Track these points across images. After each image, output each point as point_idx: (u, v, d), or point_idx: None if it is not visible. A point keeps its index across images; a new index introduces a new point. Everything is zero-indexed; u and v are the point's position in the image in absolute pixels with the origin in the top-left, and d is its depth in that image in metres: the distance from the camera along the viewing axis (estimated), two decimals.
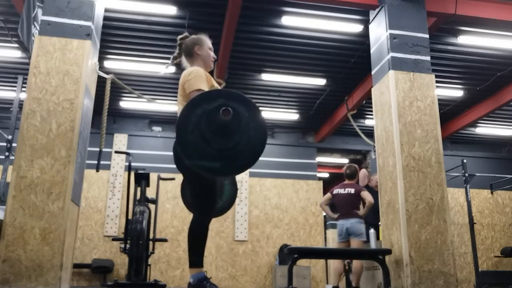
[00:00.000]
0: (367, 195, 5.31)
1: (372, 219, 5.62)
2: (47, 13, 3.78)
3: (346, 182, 5.61)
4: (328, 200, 5.64)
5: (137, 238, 4.27)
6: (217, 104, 2.25)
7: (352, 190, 5.41)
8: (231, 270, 8.45)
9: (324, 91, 7.93)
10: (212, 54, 2.97)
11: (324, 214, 9.38)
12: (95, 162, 4.49)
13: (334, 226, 11.16)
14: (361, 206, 5.53)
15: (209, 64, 2.96)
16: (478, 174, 7.91)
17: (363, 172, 6.29)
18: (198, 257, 2.57)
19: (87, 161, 4.11)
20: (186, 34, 2.99)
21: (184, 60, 2.96)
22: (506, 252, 7.27)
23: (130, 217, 4.60)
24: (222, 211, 3.30)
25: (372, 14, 4.95)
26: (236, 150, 2.29)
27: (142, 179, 4.93)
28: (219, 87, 2.86)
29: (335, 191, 5.57)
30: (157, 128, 9.27)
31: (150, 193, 5.04)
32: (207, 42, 2.97)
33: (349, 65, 6.99)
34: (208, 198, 2.62)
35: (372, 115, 7.42)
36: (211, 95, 2.37)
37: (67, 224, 3.33)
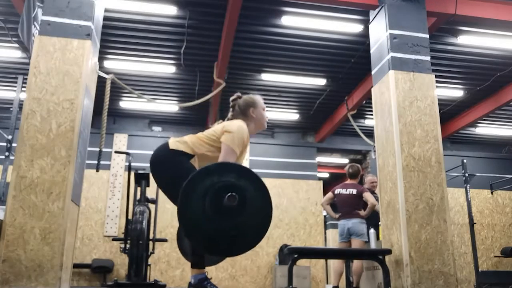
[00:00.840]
0: (369, 197, 5.31)
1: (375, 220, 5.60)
2: (47, 13, 3.78)
3: (348, 181, 5.61)
4: (330, 200, 5.63)
5: (137, 238, 4.27)
6: (227, 179, 2.21)
7: (354, 191, 5.41)
8: (231, 270, 8.45)
9: (324, 91, 7.93)
10: (266, 114, 2.93)
11: (325, 214, 9.40)
12: (95, 162, 4.50)
13: (334, 226, 11.18)
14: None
15: (263, 125, 2.92)
16: (478, 174, 7.91)
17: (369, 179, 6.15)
18: (201, 257, 2.57)
19: (87, 161, 4.11)
20: (238, 94, 2.92)
21: (232, 118, 2.86)
22: (506, 252, 7.26)
23: (130, 217, 4.61)
24: (217, 261, 3.28)
25: (372, 14, 4.95)
26: (236, 234, 2.24)
27: (142, 179, 4.93)
28: (243, 159, 2.76)
29: (337, 190, 5.56)
30: (157, 128, 9.27)
31: (150, 193, 5.04)
32: (261, 102, 2.91)
33: (349, 65, 6.99)
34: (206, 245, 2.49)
35: (372, 115, 7.42)
36: (226, 168, 2.31)
37: (67, 224, 3.33)
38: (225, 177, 2.22)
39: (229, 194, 2.16)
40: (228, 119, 2.87)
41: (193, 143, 2.65)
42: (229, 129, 2.61)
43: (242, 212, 2.21)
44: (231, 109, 2.90)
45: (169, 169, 2.59)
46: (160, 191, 5.61)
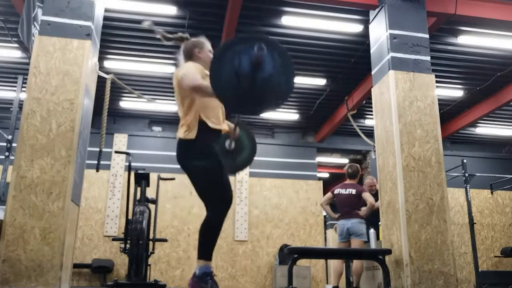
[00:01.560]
0: (368, 197, 5.31)
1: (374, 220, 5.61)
2: (47, 13, 3.78)
3: (348, 181, 5.60)
4: (329, 200, 5.63)
5: (137, 238, 4.27)
6: (253, 43, 2.35)
7: (354, 191, 5.41)
8: (231, 270, 8.45)
9: (324, 91, 7.93)
10: (212, 56, 2.97)
11: (325, 214, 9.39)
12: (95, 162, 4.49)
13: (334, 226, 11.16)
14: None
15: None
16: (478, 174, 7.90)
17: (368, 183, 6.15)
18: (209, 250, 2.57)
19: (87, 161, 4.11)
20: (187, 35, 3.01)
21: (182, 63, 2.95)
22: (506, 252, 7.27)
23: (130, 217, 4.60)
24: (244, 164, 3.31)
25: (372, 14, 4.95)
26: (265, 88, 2.41)
27: (142, 179, 4.93)
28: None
29: (336, 191, 5.56)
30: (157, 128, 9.27)
31: (150, 193, 5.04)
32: (207, 44, 2.99)
33: (349, 65, 6.99)
34: (223, 190, 2.64)
35: (372, 115, 7.41)
36: (247, 39, 2.47)
37: (67, 224, 3.34)
38: (251, 42, 2.37)
39: (257, 46, 2.32)
40: (163, 37, 2.98)
41: (186, 120, 2.72)
42: (180, 75, 2.69)
43: (270, 66, 2.41)
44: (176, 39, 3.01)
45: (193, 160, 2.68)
46: (160, 191, 5.62)
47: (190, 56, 2.92)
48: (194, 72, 2.64)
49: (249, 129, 3.16)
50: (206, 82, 2.53)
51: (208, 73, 2.72)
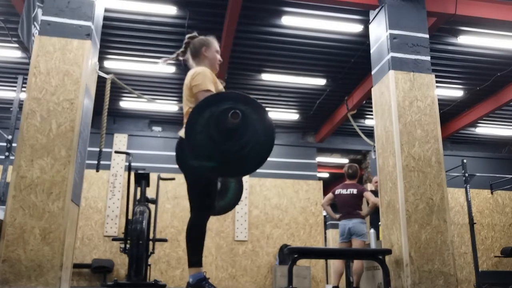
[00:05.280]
0: (370, 196, 5.31)
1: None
2: (47, 13, 3.78)
3: (348, 182, 5.61)
4: (330, 201, 5.64)
5: (137, 238, 4.27)
6: (225, 106, 2.26)
7: (355, 191, 5.41)
8: (231, 270, 8.45)
9: (324, 91, 7.93)
10: (218, 57, 2.97)
11: (325, 214, 9.39)
12: (95, 162, 4.49)
13: (334, 226, 11.17)
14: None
15: (215, 66, 2.95)
16: (478, 174, 7.90)
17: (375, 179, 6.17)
18: (197, 256, 2.57)
19: (87, 161, 4.11)
20: (195, 33, 2.98)
21: (189, 60, 2.94)
22: (506, 252, 7.26)
23: (130, 217, 4.61)
24: (226, 209, 3.27)
25: (372, 14, 4.95)
26: (244, 152, 2.32)
27: (142, 179, 4.94)
28: (223, 89, 2.85)
29: (337, 191, 5.56)
30: (157, 128, 9.27)
31: (150, 193, 5.05)
32: (215, 44, 2.97)
33: (349, 65, 6.99)
34: (206, 199, 2.63)
35: (372, 115, 7.42)
36: (219, 98, 2.38)
37: (67, 224, 3.33)
38: (222, 105, 2.28)
39: (232, 111, 2.22)
40: (177, 54, 2.94)
41: (185, 109, 2.72)
42: (193, 78, 2.67)
43: (246, 131, 2.29)
44: (184, 45, 2.96)
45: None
46: (160, 191, 5.63)
47: (197, 54, 2.91)
48: (207, 86, 2.62)
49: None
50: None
51: (215, 79, 2.75)
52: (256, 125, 2.31)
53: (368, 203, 5.43)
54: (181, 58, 2.97)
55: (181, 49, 2.95)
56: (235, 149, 2.31)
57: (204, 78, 2.65)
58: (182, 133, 2.70)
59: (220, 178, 2.83)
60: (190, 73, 2.76)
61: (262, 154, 2.34)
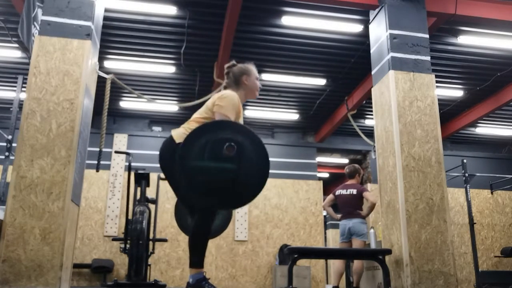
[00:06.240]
0: (369, 196, 5.32)
1: None
2: (47, 13, 3.78)
3: (348, 182, 5.62)
4: (331, 202, 5.65)
5: (137, 238, 4.27)
6: (223, 136, 2.27)
7: (354, 191, 5.42)
8: (231, 270, 8.45)
9: (324, 91, 7.93)
10: (258, 84, 2.95)
11: (325, 214, 9.39)
12: (95, 162, 4.49)
13: (334, 226, 11.18)
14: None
15: (255, 94, 2.95)
16: (478, 174, 7.91)
17: None
18: (199, 257, 2.57)
19: (87, 161, 4.11)
20: (233, 62, 2.98)
21: (228, 88, 2.90)
22: (506, 252, 7.26)
23: (130, 217, 4.61)
24: (214, 234, 3.23)
25: (372, 14, 4.95)
26: (235, 185, 2.33)
27: (142, 179, 4.94)
28: (242, 121, 2.82)
29: (338, 192, 5.57)
30: (157, 128, 9.27)
31: (150, 193, 5.04)
32: (255, 71, 2.96)
33: (349, 65, 6.99)
34: (207, 197, 2.62)
35: (372, 115, 7.42)
36: (220, 125, 2.38)
37: (67, 224, 3.33)
38: (220, 134, 2.29)
39: (227, 144, 2.23)
40: (224, 87, 2.93)
41: (198, 121, 2.70)
42: (219, 100, 2.66)
43: (240, 164, 2.31)
44: (225, 76, 2.95)
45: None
46: (160, 191, 5.63)
47: (237, 82, 2.88)
48: (228, 113, 2.60)
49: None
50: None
51: (240, 109, 2.73)
52: (252, 159, 2.33)
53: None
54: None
55: (225, 82, 2.93)
56: (226, 180, 2.31)
57: (230, 104, 2.64)
58: (177, 136, 2.68)
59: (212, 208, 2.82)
60: (218, 94, 2.74)
61: (253, 188, 2.37)
